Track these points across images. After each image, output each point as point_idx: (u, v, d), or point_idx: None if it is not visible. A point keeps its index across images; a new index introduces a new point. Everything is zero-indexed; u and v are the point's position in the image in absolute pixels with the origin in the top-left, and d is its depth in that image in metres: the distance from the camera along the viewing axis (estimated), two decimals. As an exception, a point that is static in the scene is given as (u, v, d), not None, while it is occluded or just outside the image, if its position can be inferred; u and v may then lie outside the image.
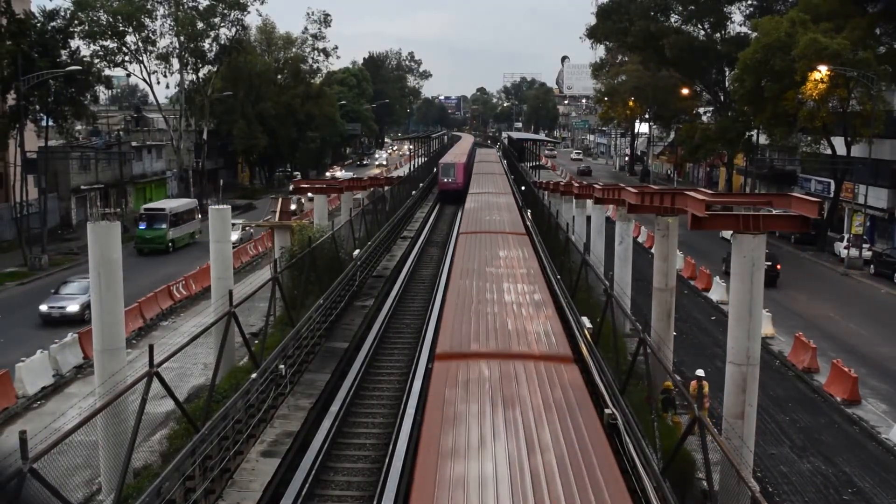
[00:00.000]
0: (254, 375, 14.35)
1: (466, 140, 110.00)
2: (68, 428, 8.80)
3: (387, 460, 14.28)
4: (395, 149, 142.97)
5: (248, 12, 64.07)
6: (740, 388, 13.77)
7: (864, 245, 41.92)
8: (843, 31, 41.88)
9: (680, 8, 62.18)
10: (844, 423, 20.75)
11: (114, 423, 12.07)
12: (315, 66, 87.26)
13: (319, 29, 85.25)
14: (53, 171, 48.57)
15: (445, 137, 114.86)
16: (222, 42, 63.93)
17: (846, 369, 22.36)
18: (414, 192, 53.83)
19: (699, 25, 62.78)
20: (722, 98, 63.73)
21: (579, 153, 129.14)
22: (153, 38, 59.86)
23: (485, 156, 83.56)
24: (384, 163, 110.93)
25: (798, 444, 19.25)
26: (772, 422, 20.29)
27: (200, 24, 61.67)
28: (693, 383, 17.55)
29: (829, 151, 46.08)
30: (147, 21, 59.06)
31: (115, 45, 57.69)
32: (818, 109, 42.88)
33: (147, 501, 9.76)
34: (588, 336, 16.07)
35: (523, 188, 50.61)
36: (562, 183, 43.93)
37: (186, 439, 12.13)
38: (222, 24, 63.26)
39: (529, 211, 38.68)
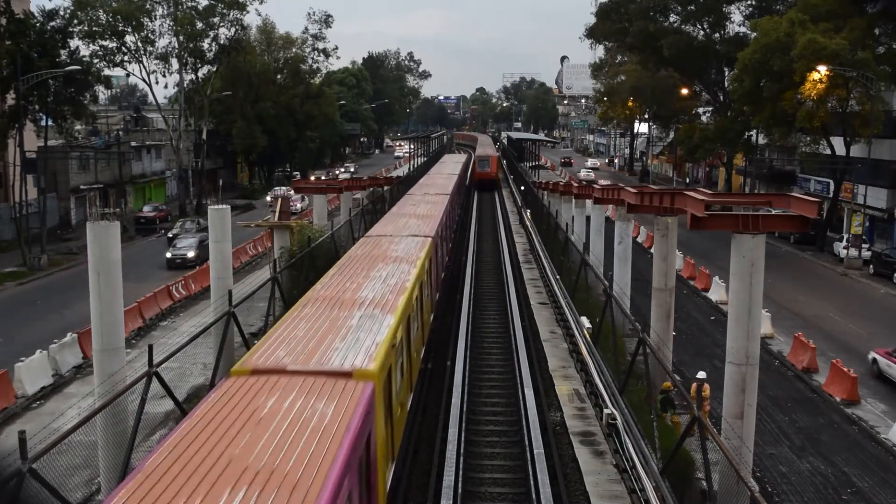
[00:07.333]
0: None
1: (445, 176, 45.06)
2: (67, 428, 8.81)
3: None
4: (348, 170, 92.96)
5: (248, 12, 63.93)
6: (739, 388, 13.77)
7: (864, 245, 41.91)
8: (842, 31, 41.85)
9: (679, 8, 62.08)
10: (843, 423, 20.74)
11: (113, 423, 12.07)
12: (315, 66, 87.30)
13: (320, 29, 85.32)
14: (53, 171, 48.54)
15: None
16: (221, 42, 63.79)
17: (845, 369, 22.36)
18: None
19: (698, 25, 62.71)
20: (721, 98, 63.70)
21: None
22: (152, 37, 59.76)
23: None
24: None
25: (797, 444, 19.24)
26: (771, 422, 20.29)
27: (200, 24, 61.56)
28: (694, 385, 17.54)
29: (828, 151, 46.07)
30: (146, 21, 58.95)
31: (115, 44, 57.59)
32: (817, 109, 42.82)
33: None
34: (587, 336, 16.08)
35: (523, 188, 50.61)
36: (561, 183, 43.94)
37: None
38: (221, 24, 63.12)
39: (529, 211, 38.70)
